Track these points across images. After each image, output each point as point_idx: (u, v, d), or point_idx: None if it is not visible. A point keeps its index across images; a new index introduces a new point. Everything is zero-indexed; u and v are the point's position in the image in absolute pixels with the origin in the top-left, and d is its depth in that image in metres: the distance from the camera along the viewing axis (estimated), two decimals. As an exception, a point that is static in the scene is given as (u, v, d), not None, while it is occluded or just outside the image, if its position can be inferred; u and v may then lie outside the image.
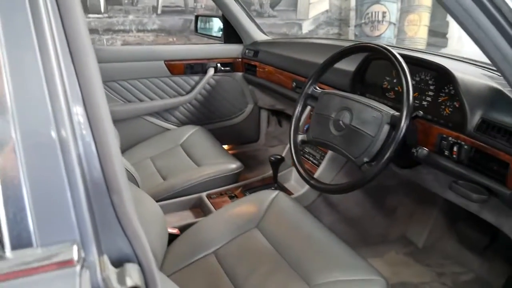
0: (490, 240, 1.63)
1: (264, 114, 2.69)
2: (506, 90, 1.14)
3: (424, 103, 1.39)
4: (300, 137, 1.44)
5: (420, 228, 1.89)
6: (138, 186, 1.66)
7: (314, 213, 1.69)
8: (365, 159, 1.20)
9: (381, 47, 1.25)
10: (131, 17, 3.94)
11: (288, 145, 1.75)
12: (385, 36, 5.35)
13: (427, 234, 1.86)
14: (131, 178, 1.63)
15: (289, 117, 2.45)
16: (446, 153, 1.24)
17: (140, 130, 2.35)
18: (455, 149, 1.20)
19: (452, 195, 1.32)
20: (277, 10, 4.77)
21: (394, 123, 1.17)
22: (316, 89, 1.46)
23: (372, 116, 1.22)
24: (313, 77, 1.45)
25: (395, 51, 1.22)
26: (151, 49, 2.33)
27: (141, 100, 2.33)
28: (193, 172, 1.88)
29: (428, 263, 1.78)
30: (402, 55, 1.44)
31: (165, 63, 2.32)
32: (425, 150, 1.19)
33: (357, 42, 1.35)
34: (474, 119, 1.16)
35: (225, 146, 2.66)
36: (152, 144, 2.25)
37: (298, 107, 1.46)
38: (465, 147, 1.18)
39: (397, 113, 1.18)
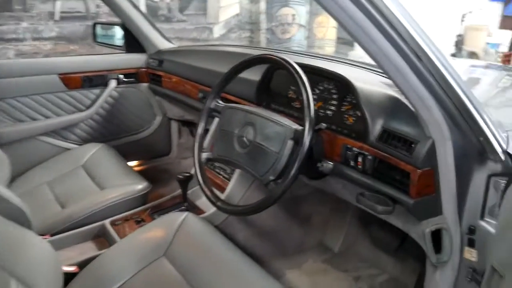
0: (401, 241, 1.67)
1: (174, 126, 2.56)
2: (403, 98, 1.14)
3: (329, 112, 1.36)
4: (205, 155, 1.35)
5: (335, 234, 1.90)
6: (28, 220, 1.47)
7: (228, 230, 1.62)
8: (271, 177, 1.14)
9: (280, 58, 1.20)
10: (24, 24, 3.59)
11: None
12: (296, 39, 5.44)
13: (342, 238, 1.87)
14: (16, 213, 1.43)
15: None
16: (352, 163, 1.22)
17: (35, 152, 2.12)
18: (359, 159, 1.19)
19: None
20: (186, 15, 4.64)
21: (297, 138, 1.12)
22: (219, 103, 1.38)
23: (275, 132, 1.17)
24: (214, 91, 1.37)
25: (294, 63, 1.17)
26: (42, 62, 2.11)
27: (34, 119, 2.10)
28: (95, 197, 1.71)
29: (346, 268, 1.78)
30: (304, 65, 1.41)
31: (59, 77, 2.11)
32: (330, 164, 1.16)
33: (259, 54, 1.29)
34: (376, 128, 1.15)
35: (135, 162, 2.51)
36: (50, 167, 2.03)
37: (201, 123, 1.37)
38: (369, 157, 1.16)
39: (300, 128, 1.13)
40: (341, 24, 0.84)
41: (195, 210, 1.75)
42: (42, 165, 2.06)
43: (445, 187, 1.04)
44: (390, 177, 1.12)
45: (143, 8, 4.24)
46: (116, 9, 2.12)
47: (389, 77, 0.92)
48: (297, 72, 1.15)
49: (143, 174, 2.47)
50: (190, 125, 2.58)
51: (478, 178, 1.02)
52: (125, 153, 2.40)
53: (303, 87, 1.12)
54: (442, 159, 1.01)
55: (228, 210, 1.22)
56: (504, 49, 7.02)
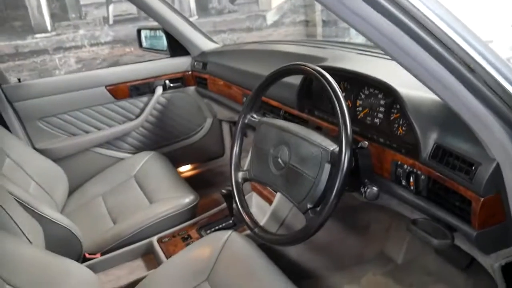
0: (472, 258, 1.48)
1: (226, 127, 2.50)
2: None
3: (376, 120, 1.21)
4: (241, 174, 1.26)
5: (397, 243, 1.73)
6: (79, 241, 1.50)
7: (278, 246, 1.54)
8: (309, 205, 1.02)
9: (312, 69, 1.07)
10: (81, 31, 3.70)
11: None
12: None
13: (405, 248, 1.70)
14: (68, 235, 1.46)
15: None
16: (403, 182, 1.07)
17: (90, 164, 2.17)
18: (411, 179, 1.03)
19: None
20: (238, 4, 4.52)
21: (334, 162, 0.99)
22: (254, 117, 1.27)
23: (311, 153, 1.04)
24: (248, 106, 1.27)
25: (327, 75, 1.03)
26: (89, 75, 2.13)
27: (87, 132, 2.14)
28: (144, 213, 1.70)
29: (410, 282, 1.62)
30: (345, 71, 1.26)
31: (106, 89, 2.12)
32: (374, 190, 1.01)
33: (289, 65, 1.16)
34: (428, 144, 0.98)
35: (188, 166, 2.50)
36: (105, 178, 2.07)
37: (236, 141, 1.28)
38: (422, 177, 1.00)
39: (337, 149, 1.00)
40: (369, 39, 0.69)
41: (243, 224, 1.68)
42: (97, 177, 2.11)
43: None
44: (447, 202, 0.96)
45: (192, 2, 4.21)
46: (154, 15, 2.07)
47: (437, 95, 0.76)
48: (331, 86, 1.01)
49: (197, 178, 2.48)
50: (242, 125, 2.51)
51: None
52: (178, 158, 2.39)
53: (338, 103, 0.98)
54: (510, 184, 0.83)
55: (266, 238, 1.12)
56: None
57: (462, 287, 1.54)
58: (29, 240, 1.25)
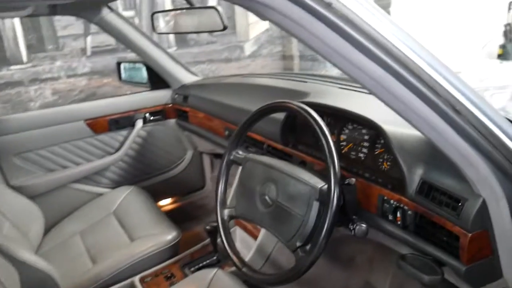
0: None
1: (206, 159, 2.48)
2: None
3: (361, 155, 1.22)
4: (227, 212, 1.24)
5: (382, 274, 1.72)
6: (56, 284, 1.43)
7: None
8: (298, 243, 1.01)
9: (297, 107, 1.07)
10: (58, 63, 3.66)
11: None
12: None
13: (390, 279, 1.69)
14: (44, 278, 1.39)
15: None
16: (390, 217, 1.07)
17: (68, 200, 2.10)
18: (398, 214, 1.03)
19: None
20: (216, 35, 4.57)
21: (323, 199, 0.98)
22: (239, 153, 1.27)
23: (299, 191, 1.04)
24: (233, 142, 1.26)
25: (312, 112, 1.04)
26: (67, 110, 2.09)
27: (64, 167, 2.09)
28: (125, 251, 1.64)
29: (397, 314, 1.61)
30: (328, 107, 1.28)
31: (85, 123, 2.08)
32: (363, 227, 1.01)
33: (274, 103, 1.16)
34: (414, 179, 0.99)
35: (169, 200, 2.45)
36: (83, 215, 2.01)
37: (222, 178, 1.26)
38: (409, 212, 1.01)
39: (325, 186, 1.00)
40: (358, 82, 0.70)
41: (227, 260, 1.65)
42: (75, 214, 2.04)
43: (504, 248, 0.88)
44: (435, 236, 0.96)
45: (170, 34, 4.24)
46: (133, 47, 2.07)
47: (423, 134, 0.77)
48: (317, 123, 1.01)
49: (178, 211, 2.44)
50: (223, 157, 2.50)
51: None
52: (159, 192, 2.35)
53: (325, 141, 0.98)
54: (497, 219, 0.84)
55: (254, 278, 1.10)
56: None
57: None
58: (3, 286, 1.19)
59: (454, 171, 0.91)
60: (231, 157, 1.27)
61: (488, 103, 0.75)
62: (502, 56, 6.45)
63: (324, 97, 1.41)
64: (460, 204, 0.87)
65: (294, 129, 1.44)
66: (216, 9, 1.18)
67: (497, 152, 0.76)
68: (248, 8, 0.62)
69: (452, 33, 5.66)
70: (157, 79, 2.26)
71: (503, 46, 6.52)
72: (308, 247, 0.99)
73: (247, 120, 1.23)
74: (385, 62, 0.66)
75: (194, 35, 4.41)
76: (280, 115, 1.43)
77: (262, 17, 0.62)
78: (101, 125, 2.12)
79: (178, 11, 1.40)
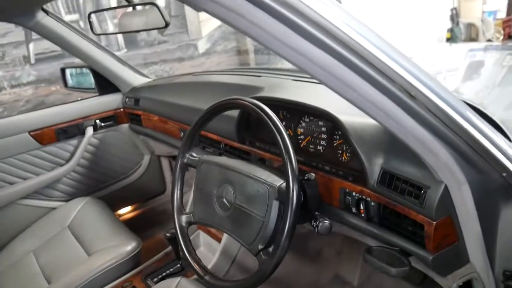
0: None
1: (165, 162, 2.40)
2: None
3: (320, 147, 1.18)
4: (185, 218, 1.18)
5: (351, 265, 1.71)
6: None
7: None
8: (260, 246, 0.96)
9: (250, 103, 1.02)
10: (0, 73, 3.45)
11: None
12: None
13: (359, 270, 1.68)
14: None
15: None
16: (354, 210, 1.04)
17: (17, 218, 1.97)
18: (361, 206, 1.00)
19: None
20: (167, 35, 4.44)
21: (282, 198, 0.94)
22: (193, 156, 1.20)
23: (257, 191, 0.99)
24: (185, 145, 1.20)
25: (265, 108, 0.99)
26: (9, 122, 1.95)
27: (11, 183, 1.95)
28: (82, 267, 1.54)
29: (367, 304, 1.60)
30: (283, 101, 1.24)
31: (30, 134, 1.95)
32: (326, 223, 0.97)
33: (226, 100, 1.10)
34: (374, 170, 0.96)
35: (129, 208, 2.35)
36: (36, 232, 1.88)
37: (176, 183, 1.20)
38: (372, 203, 0.98)
39: (283, 184, 0.95)
40: (307, 72, 0.66)
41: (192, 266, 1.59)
42: (27, 231, 1.91)
43: (469, 233, 0.87)
44: (400, 227, 0.94)
45: (119, 36, 4.08)
46: (76, 53, 1.95)
47: (378, 123, 0.74)
48: (270, 119, 0.97)
49: (139, 219, 2.34)
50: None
51: (507, 215, 0.85)
52: (116, 201, 2.25)
53: (280, 137, 0.94)
54: (460, 205, 0.83)
55: (217, 286, 1.04)
56: (502, 15, 6.72)
57: None
58: None
59: (414, 158, 0.89)
60: (185, 160, 1.20)
61: (443, 87, 0.72)
62: (451, 39, 6.66)
63: (278, 90, 1.37)
64: (422, 192, 0.85)
65: (249, 126, 1.39)
66: (156, 5, 1.11)
67: (457, 137, 0.74)
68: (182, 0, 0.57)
69: (400, 20, 5.77)
70: (105, 84, 2.15)
71: (450, 30, 6.73)
72: (270, 249, 0.95)
73: (198, 121, 1.17)
74: (332, 48, 0.62)
75: (144, 36, 4.27)
76: (235, 113, 1.38)
77: (197, 8, 0.56)
78: (48, 135, 2.00)
79: (118, 10, 1.31)
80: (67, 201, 2.06)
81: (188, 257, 1.12)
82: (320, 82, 0.67)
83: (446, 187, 0.81)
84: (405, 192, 0.89)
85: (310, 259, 1.68)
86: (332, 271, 1.74)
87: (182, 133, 1.78)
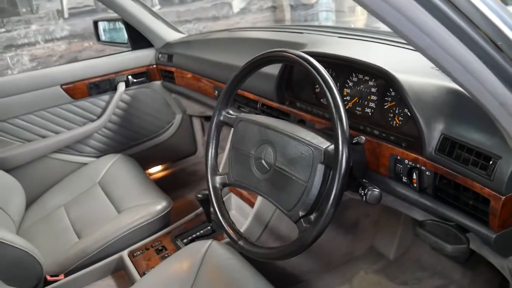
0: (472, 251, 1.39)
1: (197, 123, 2.34)
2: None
3: (368, 110, 1.08)
4: (219, 179, 1.11)
5: (388, 237, 1.63)
6: (37, 262, 1.32)
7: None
8: (301, 213, 0.88)
9: (296, 56, 0.92)
10: (34, 26, 3.40)
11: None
12: (323, 1, 4.97)
13: (397, 242, 1.60)
14: (24, 257, 1.28)
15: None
16: (405, 179, 0.95)
17: (49, 172, 1.97)
18: (414, 175, 0.91)
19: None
20: (202, -8, 4.33)
21: (329, 162, 0.85)
22: (229, 113, 1.12)
23: (300, 153, 0.90)
24: (222, 102, 1.12)
25: (313, 61, 0.89)
26: (41, 74, 1.91)
27: (43, 137, 1.94)
28: (112, 224, 1.52)
29: (404, 279, 1.52)
30: (330, 56, 1.13)
31: (62, 88, 1.91)
32: (376, 192, 0.88)
33: (268, 52, 1.00)
34: (433, 135, 0.86)
35: (159, 167, 2.33)
36: (66, 187, 1.88)
37: (211, 142, 1.12)
38: (427, 173, 0.88)
39: (331, 147, 0.86)
40: (368, 9, 0.55)
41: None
42: (58, 185, 1.91)
43: None
44: (458, 200, 0.84)
45: (154, -8, 3.98)
46: (111, 4, 1.88)
47: (453, 80, 0.63)
48: (320, 74, 0.87)
49: (169, 179, 2.32)
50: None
51: None
52: (147, 159, 2.22)
53: (331, 94, 0.84)
54: None
55: (252, 252, 0.98)
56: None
57: (459, 282, 1.45)
58: None
59: (482, 124, 0.78)
60: (221, 118, 1.12)
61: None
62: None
63: (323, 46, 1.26)
64: (491, 162, 0.74)
65: (290, 85, 1.29)
66: None
67: None
68: None
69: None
70: (138, 38, 2.09)
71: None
72: (313, 216, 0.87)
73: (237, 75, 1.08)
74: None
75: (179, -8, 4.16)
76: (275, 70, 1.28)
77: None
78: (80, 89, 1.96)
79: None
80: (98, 157, 2.05)
81: (222, 220, 1.06)
82: (387, 25, 0.56)
83: None
84: (469, 162, 0.79)
85: (345, 229, 1.60)
86: (368, 242, 1.67)
87: (216, 92, 1.70)
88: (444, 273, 1.49)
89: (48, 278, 1.36)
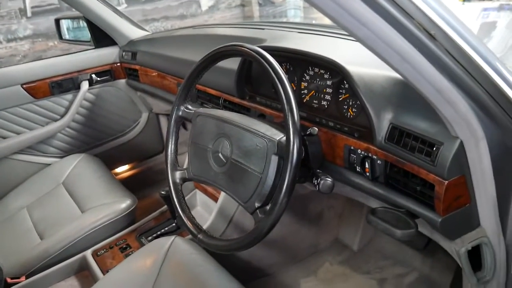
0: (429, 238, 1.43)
1: (163, 120, 2.32)
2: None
3: (324, 103, 1.11)
4: (179, 174, 1.11)
5: (352, 229, 1.67)
6: (1, 269, 1.30)
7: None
8: (257, 204, 0.90)
9: (251, 49, 0.93)
10: (-6, 26, 3.33)
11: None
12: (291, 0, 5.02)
13: (360, 234, 1.64)
14: None
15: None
16: (358, 169, 0.97)
17: (11, 173, 1.92)
18: (367, 164, 0.93)
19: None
20: (170, -9, 4.29)
21: (282, 153, 0.87)
22: (188, 108, 1.13)
23: (255, 145, 0.91)
24: (180, 97, 1.12)
25: (267, 55, 0.90)
26: (0, 73, 1.87)
27: (4, 138, 1.89)
28: (75, 224, 1.51)
29: (367, 269, 1.56)
30: (286, 50, 1.15)
31: (23, 87, 1.87)
32: (328, 181, 0.90)
33: (225, 46, 1.01)
34: (382, 125, 0.88)
35: (126, 166, 2.30)
36: (29, 188, 1.84)
37: (171, 137, 1.13)
38: (378, 162, 0.91)
39: (283, 138, 0.88)
40: (311, 3, 0.57)
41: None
42: (21, 186, 1.87)
43: (482, 195, 0.80)
44: (407, 187, 0.87)
45: (119, -10, 3.93)
46: (72, 2, 1.85)
47: (393, 69, 0.66)
48: (272, 67, 0.88)
49: (136, 178, 2.30)
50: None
51: None
52: (113, 159, 2.20)
53: (282, 86, 0.85)
54: (476, 163, 0.75)
55: (210, 245, 0.99)
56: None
57: (420, 267, 1.50)
58: None
59: (426, 113, 0.81)
60: (180, 113, 1.13)
61: (468, 29, 0.63)
62: (463, 1, 6.42)
63: (282, 41, 1.28)
64: (434, 148, 0.77)
65: (250, 80, 1.30)
66: None
67: (479, 87, 0.66)
68: None
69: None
70: (102, 36, 2.06)
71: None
72: (268, 207, 0.88)
73: (194, 70, 1.09)
74: None
75: (145, -10, 4.11)
76: (234, 65, 1.29)
77: None
78: (42, 88, 1.92)
79: None
80: (62, 157, 2.01)
81: (182, 215, 1.06)
82: (328, 17, 0.58)
83: (461, 143, 0.74)
84: (415, 149, 0.82)
85: (310, 222, 1.63)
86: (332, 234, 1.70)
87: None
88: (405, 261, 1.54)
89: (8, 280, 1.33)
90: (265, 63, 0.89)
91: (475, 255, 0.87)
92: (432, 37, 0.60)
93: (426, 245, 1.47)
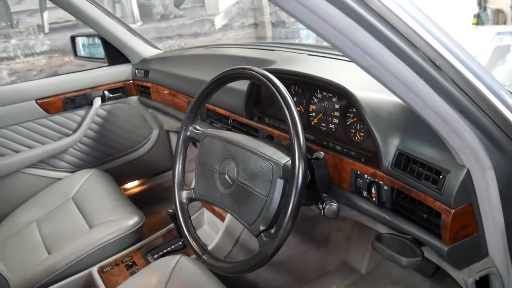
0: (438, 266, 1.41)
1: (173, 138, 2.34)
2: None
3: (332, 126, 1.11)
4: (186, 194, 1.12)
5: (360, 252, 1.65)
6: (5, 279, 1.30)
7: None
8: (261, 227, 0.90)
9: (258, 73, 0.94)
10: (13, 41, 3.40)
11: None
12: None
13: (368, 257, 1.62)
14: None
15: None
16: (365, 194, 0.97)
17: (22, 187, 1.95)
18: (373, 189, 0.93)
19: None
20: (184, 9, 4.34)
21: (288, 177, 0.87)
22: (196, 129, 1.14)
23: (261, 168, 0.92)
24: (189, 117, 1.13)
25: (274, 79, 0.91)
26: (16, 89, 1.91)
27: (16, 151, 1.92)
28: (82, 240, 1.51)
29: (375, 293, 1.54)
30: (295, 74, 1.16)
31: (37, 103, 1.91)
32: (333, 206, 0.90)
33: (233, 69, 1.02)
34: (389, 151, 0.88)
35: (135, 182, 2.31)
36: (39, 202, 1.86)
37: (178, 157, 1.14)
38: (385, 187, 0.91)
39: (289, 162, 0.88)
40: (320, 35, 0.58)
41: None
42: (31, 200, 1.89)
43: (490, 224, 0.79)
44: (414, 214, 0.87)
45: (135, 8, 4.00)
46: (87, 21, 1.89)
47: (398, 97, 0.66)
48: (279, 90, 0.89)
49: (145, 195, 2.31)
50: (191, 135, 2.36)
51: None
52: (123, 175, 2.21)
53: (288, 110, 0.86)
54: (483, 192, 0.75)
55: (215, 267, 0.98)
56: (534, 1, 6.42)
57: None
58: None
59: (433, 140, 0.81)
60: (188, 133, 1.14)
61: (474, 58, 0.63)
62: (477, 25, 6.40)
63: (291, 64, 1.29)
64: (441, 176, 0.77)
65: (259, 101, 1.31)
66: None
67: (485, 117, 0.66)
68: None
69: (424, 5, 5.55)
70: (115, 54, 2.10)
71: (477, 15, 6.46)
72: (272, 230, 0.88)
73: (203, 91, 1.10)
74: (351, 8, 0.54)
75: (160, 9, 4.18)
76: (244, 86, 1.30)
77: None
78: (55, 104, 1.96)
79: None
80: (72, 172, 2.03)
81: (187, 235, 1.07)
82: (333, 46, 0.59)
83: (468, 172, 0.73)
84: (422, 176, 0.81)
85: (317, 244, 1.62)
86: (340, 257, 1.68)
87: (190, 107, 1.72)
88: (413, 287, 1.51)
89: (14, 295, 1.34)
90: (272, 87, 0.90)
91: (483, 285, 0.86)
92: (437, 67, 0.60)
93: (435, 272, 1.44)
